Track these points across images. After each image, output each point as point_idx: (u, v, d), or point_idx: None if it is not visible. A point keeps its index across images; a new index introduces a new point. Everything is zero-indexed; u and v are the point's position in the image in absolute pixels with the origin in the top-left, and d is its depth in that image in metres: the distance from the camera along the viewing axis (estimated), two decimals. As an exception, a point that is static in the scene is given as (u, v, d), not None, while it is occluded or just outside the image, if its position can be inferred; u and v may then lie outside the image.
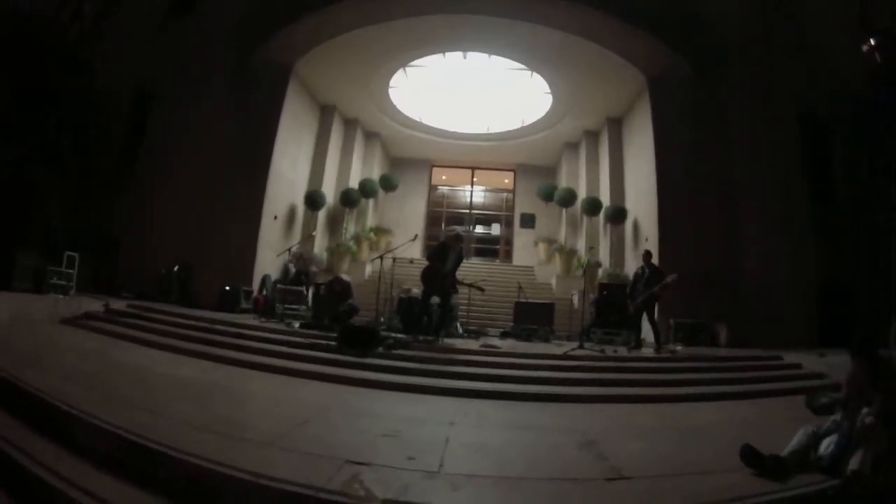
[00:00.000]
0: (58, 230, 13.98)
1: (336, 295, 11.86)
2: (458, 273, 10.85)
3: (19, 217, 13.20)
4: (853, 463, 3.87)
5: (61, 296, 11.75)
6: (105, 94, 15.64)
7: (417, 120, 21.75)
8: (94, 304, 11.57)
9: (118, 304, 11.89)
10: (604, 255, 17.92)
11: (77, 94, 14.89)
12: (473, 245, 25.74)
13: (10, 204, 13.03)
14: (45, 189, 13.88)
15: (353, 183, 20.85)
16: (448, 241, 10.78)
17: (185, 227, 15.27)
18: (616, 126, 18.99)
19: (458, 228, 25.12)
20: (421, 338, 10.02)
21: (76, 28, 15.15)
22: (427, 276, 10.44)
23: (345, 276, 13.56)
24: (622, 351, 10.75)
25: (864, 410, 4.16)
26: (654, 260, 13.82)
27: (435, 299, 10.73)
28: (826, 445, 4.17)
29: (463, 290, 13.63)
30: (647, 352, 11.16)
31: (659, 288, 11.09)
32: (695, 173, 14.52)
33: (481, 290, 11.94)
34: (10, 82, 13.39)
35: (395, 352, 8.92)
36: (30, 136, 13.68)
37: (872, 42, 12.70)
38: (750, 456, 4.10)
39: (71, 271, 12.36)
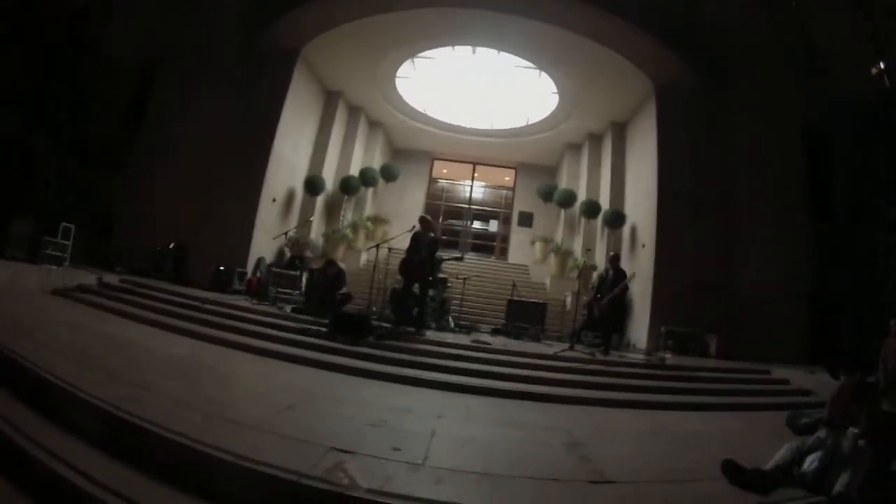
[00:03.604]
0: (54, 200, 13.92)
1: (329, 279, 11.79)
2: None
3: (16, 185, 13.12)
4: (839, 484, 3.89)
5: (55, 267, 11.68)
6: (109, 67, 15.53)
7: (422, 112, 21.68)
8: (88, 277, 11.53)
9: (111, 279, 11.86)
10: (600, 258, 17.90)
11: (81, 65, 14.81)
12: (470, 241, 25.72)
13: (8, 171, 12.96)
14: (43, 158, 13.79)
15: (354, 170, 20.79)
16: (417, 230, 10.62)
17: (181, 205, 15.22)
18: (620, 130, 18.95)
19: (456, 222, 25.33)
20: (404, 328, 10.00)
21: (83, 1, 15.03)
22: (403, 267, 10.47)
23: (340, 263, 13.52)
24: (613, 354, 10.77)
25: (852, 430, 4.18)
26: (650, 265, 13.94)
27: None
28: (810, 462, 4.19)
29: (457, 285, 13.73)
30: (637, 357, 11.20)
31: (619, 289, 11.21)
32: (696, 183, 14.53)
33: (460, 259, 12.48)
34: (13, 50, 13.30)
35: (385, 342, 8.92)
36: (31, 104, 13.60)
37: (882, 65, 12.75)
38: (731, 471, 4.12)
39: (66, 243, 12.27)
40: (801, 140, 14.89)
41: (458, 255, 13.89)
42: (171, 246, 14.74)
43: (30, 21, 13.51)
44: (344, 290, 11.63)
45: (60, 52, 14.23)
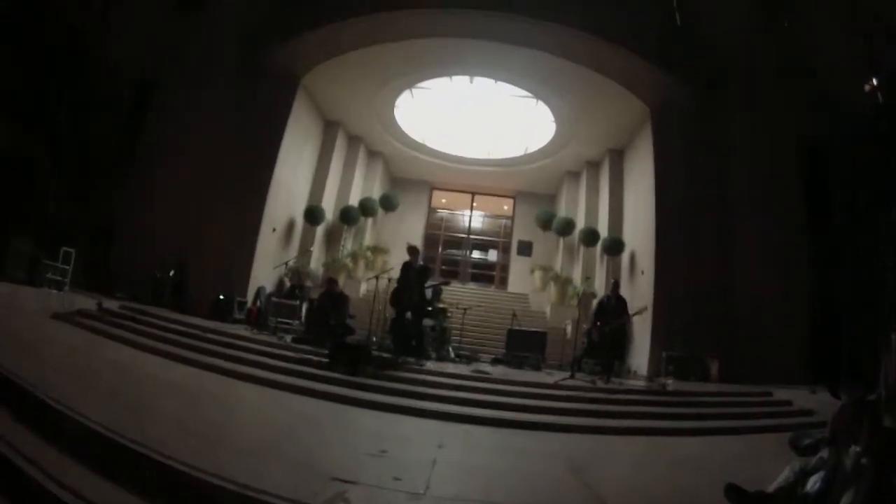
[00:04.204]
0: (54, 215, 13.92)
1: (332, 302, 11.82)
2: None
3: (15, 201, 13.16)
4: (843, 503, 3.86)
5: (55, 291, 11.72)
6: (108, 82, 15.56)
7: (421, 142, 21.82)
8: (88, 302, 11.53)
9: (111, 304, 11.87)
10: (599, 285, 17.89)
11: (80, 80, 14.88)
12: (469, 270, 25.79)
13: (7, 187, 13.00)
14: (43, 174, 13.84)
15: (354, 200, 20.90)
16: (407, 260, 10.78)
17: (181, 230, 15.16)
18: (617, 157, 19.06)
19: (455, 252, 25.40)
20: (404, 358, 9.96)
21: (82, 15, 15.12)
22: (392, 298, 10.58)
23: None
24: (614, 382, 10.73)
25: (854, 449, 4.15)
26: (650, 292, 13.93)
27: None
28: (813, 482, 4.15)
29: (457, 315, 13.74)
30: (638, 384, 11.18)
31: (627, 318, 11.31)
32: (694, 206, 14.54)
33: (447, 283, 12.79)
34: (13, 63, 13.41)
35: (385, 372, 8.89)
36: (30, 118, 13.68)
37: (875, 82, 12.82)
38: (734, 494, 4.09)
39: (66, 267, 12.31)
40: (798, 155, 14.88)
41: (444, 280, 14.22)
42: (171, 273, 14.72)
43: (29, 36, 13.63)
44: (348, 322, 11.70)
45: (60, 66, 14.33)
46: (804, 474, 4.26)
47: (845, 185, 14.45)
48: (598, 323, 11.35)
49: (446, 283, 13.74)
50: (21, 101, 13.56)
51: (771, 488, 4.17)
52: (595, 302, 14.30)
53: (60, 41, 14.26)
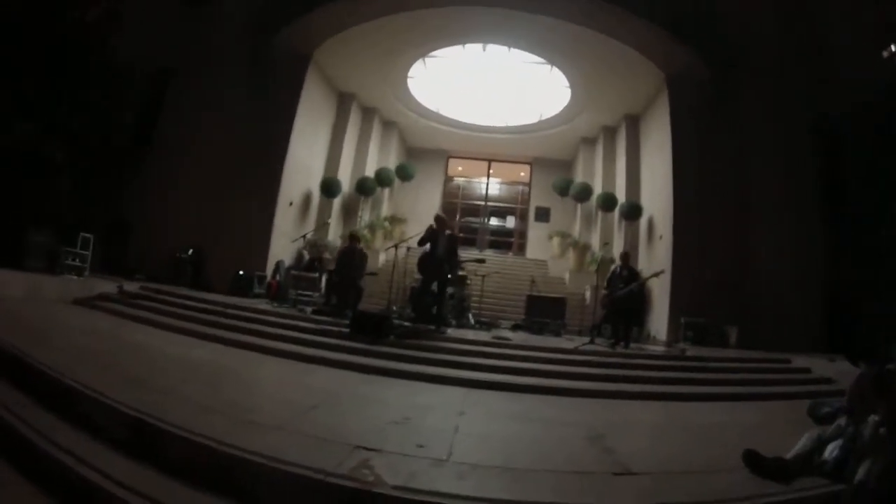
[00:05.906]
0: (71, 210, 14.03)
1: (357, 257, 12.05)
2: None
3: (33, 195, 13.26)
4: (860, 473, 3.87)
5: (75, 276, 11.85)
6: (123, 74, 15.60)
7: (435, 111, 21.73)
8: (107, 286, 11.64)
9: (131, 287, 11.97)
10: (617, 251, 17.80)
11: (94, 73, 14.89)
12: (488, 237, 25.82)
13: (25, 182, 13.09)
14: (59, 168, 13.91)
15: (370, 171, 20.89)
16: (433, 228, 10.43)
17: (199, 211, 15.35)
18: (633, 123, 18.90)
19: (473, 219, 25.39)
20: (425, 327, 10.00)
21: (94, 7, 15.10)
22: (421, 264, 10.42)
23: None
24: (633, 347, 10.77)
25: (873, 419, 4.15)
26: (668, 257, 13.89)
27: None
28: (830, 450, 4.17)
29: (476, 282, 13.77)
30: (656, 349, 11.19)
31: (638, 284, 11.40)
32: (710, 174, 14.48)
33: (482, 261, 13.31)
34: (27, 58, 13.42)
35: (406, 340, 8.96)
36: (46, 112, 13.71)
37: (894, 48, 12.59)
38: (752, 461, 4.13)
39: (85, 252, 12.44)
40: (813, 129, 14.74)
41: (480, 256, 14.06)
42: (190, 252, 14.87)
43: (43, 32, 13.62)
44: (371, 271, 11.86)
45: (73, 61, 14.32)
46: (822, 442, 4.28)
47: (863, 157, 14.29)
48: (609, 292, 11.41)
49: (481, 261, 13.65)
50: (36, 99, 13.58)
51: (789, 456, 4.20)
52: (610, 270, 14.32)
53: (73, 37, 14.22)
